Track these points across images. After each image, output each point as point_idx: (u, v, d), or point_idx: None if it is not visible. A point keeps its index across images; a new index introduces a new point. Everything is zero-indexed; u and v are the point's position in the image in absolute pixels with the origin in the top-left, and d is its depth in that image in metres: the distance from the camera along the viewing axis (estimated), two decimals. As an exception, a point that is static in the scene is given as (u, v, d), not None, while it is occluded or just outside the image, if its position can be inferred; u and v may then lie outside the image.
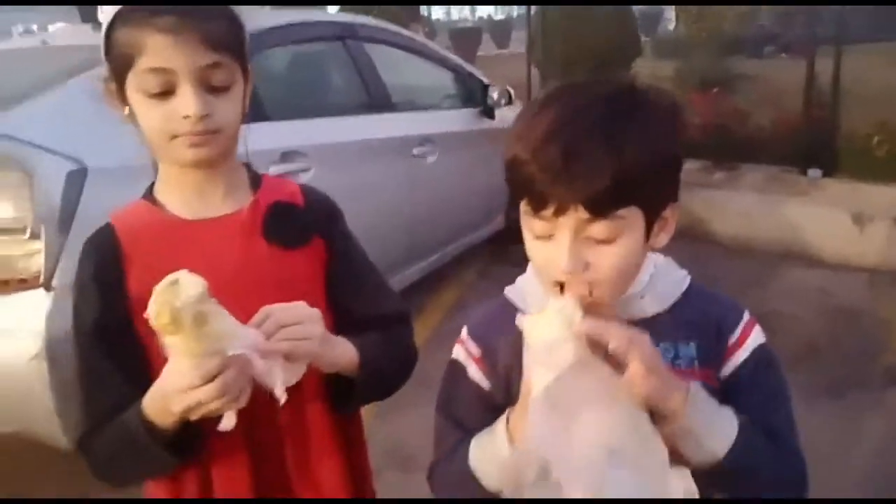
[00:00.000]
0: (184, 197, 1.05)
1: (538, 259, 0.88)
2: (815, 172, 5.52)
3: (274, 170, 2.74)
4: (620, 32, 7.92)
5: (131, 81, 0.97)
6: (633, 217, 0.83)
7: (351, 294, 1.09)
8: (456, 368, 1.03)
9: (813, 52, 5.62)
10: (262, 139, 2.63)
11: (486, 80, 4.69)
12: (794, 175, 5.58)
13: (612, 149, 0.80)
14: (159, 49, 0.93)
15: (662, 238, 0.89)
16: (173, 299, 0.82)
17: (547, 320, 0.81)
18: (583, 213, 0.81)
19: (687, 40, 11.62)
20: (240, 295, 0.95)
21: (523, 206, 0.87)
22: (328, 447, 1.11)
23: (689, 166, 6.12)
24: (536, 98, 0.91)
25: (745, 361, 0.94)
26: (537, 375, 0.81)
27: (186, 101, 0.94)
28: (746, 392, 0.92)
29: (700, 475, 0.85)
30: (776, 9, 18.85)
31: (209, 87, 0.96)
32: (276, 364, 0.91)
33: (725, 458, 0.84)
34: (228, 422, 0.91)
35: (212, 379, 0.86)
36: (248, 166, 1.14)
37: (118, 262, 1.01)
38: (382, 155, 3.58)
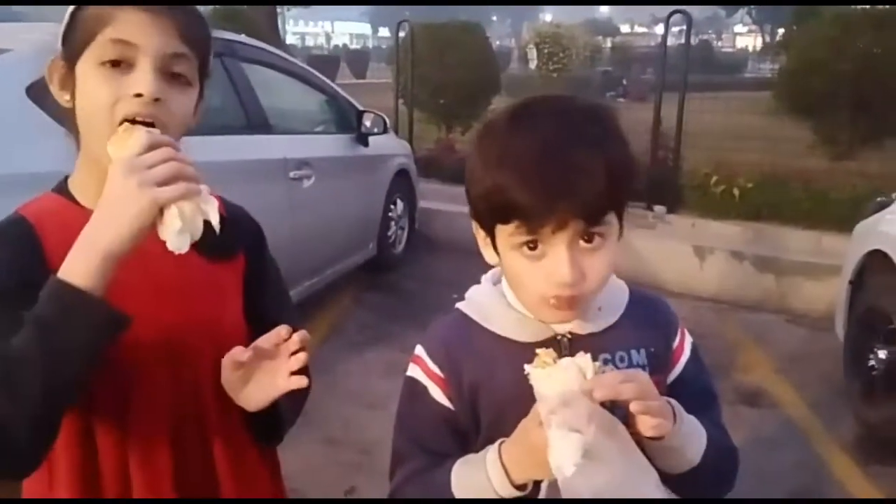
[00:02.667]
0: None
1: (532, 280, 0.88)
2: (660, 209, 5.96)
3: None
4: (483, 68, 8.22)
5: (88, 55, 0.90)
6: (613, 221, 0.88)
7: (263, 310, 1.07)
8: (416, 389, 0.99)
9: (659, 98, 6.10)
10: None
11: (360, 107, 4.70)
12: (642, 211, 5.98)
13: (604, 160, 0.83)
14: (130, 22, 0.89)
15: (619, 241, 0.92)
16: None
17: (560, 373, 0.82)
18: (579, 225, 0.84)
19: (538, 80, 12.32)
20: (169, 298, 0.96)
21: (510, 231, 0.86)
22: (256, 471, 1.08)
23: (548, 199, 6.43)
24: (494, 121, 0.91)
25: (687, 363, 1.01)
26: (556, 432, 0.79)
27: (142, 78, 0.89)
28: (690, 391, 0.98)
29: (671, 478, 0.90)
30: (617, 56, 20.35)
31: (168, 77, 0.92)
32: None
33: (700, 463, 0.90)
34: (180, 242, 0.83)
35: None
36: None
37: (39, 254, 0.91)
38: (260, 176, 3.49)
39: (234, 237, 1.05)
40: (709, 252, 5.23)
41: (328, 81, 4.77)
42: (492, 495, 0.88)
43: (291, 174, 3.74)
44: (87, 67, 0.90)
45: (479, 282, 1.05)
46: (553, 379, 0.82)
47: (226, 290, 1.05)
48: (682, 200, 5.99)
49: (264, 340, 0.92)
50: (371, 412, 3.23)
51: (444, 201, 6.34)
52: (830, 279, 4.13)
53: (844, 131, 6.31)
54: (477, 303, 1.01)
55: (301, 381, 0.90)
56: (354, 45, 41.00)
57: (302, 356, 0.90)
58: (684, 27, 6.26)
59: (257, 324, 1.03)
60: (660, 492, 0.85)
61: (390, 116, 6.10)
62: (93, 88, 0.90)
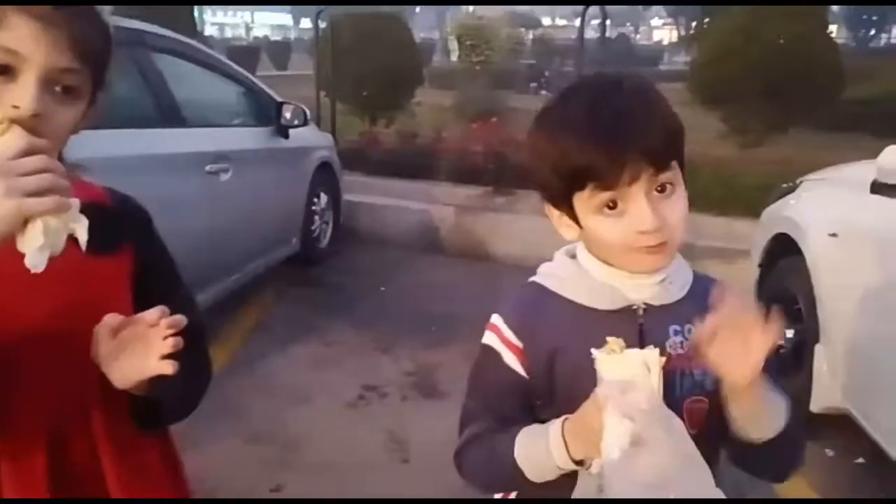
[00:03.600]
0: None
1: (618, 237, 0.92)
2: (581, 198, 6.06)
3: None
4: (406, 60, 8.20)
5: None
6: (677, 171, 0.94)
7: (156, 303, 1.01)
8: (489, 355, 1.03)
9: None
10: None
11: (279, 99, 4.61)
12: (564, 200, 6.06)
13: (653, 111, 0.91)
14: (20, 30, 0.83)
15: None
16: None
17: (624, 362, 0.87)
18: (650, 171, 0.89)
19: (461, 72, 12.36)
20: (40, 294, 0.91)
21: (587, 195, 0.91)
22: (145, 461, 1.05)
23: (472, 192, 6.47)
24: (545, 107, 0.99)
25: None
26: (610, 417, 0.84)
27: (23, 93, 0.84)
28: None
29: (754, 450, 0.94)
30: (539, 48, 20.59)
31: (53, 90, 0.87)
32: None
33: (785, 428, 0.93)
34: (38, 259, 0.78)
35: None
36: None
37: None
38: (173, 171, 3.38)
39: (119, 229, 1.02)
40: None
41: (245, 72, 4.65)
42: (551, 466, 0.93)
43: (208, 168, 3.64)
44: None
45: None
46: (617, 366, 0.87)
47: (110, 284, 1.01)
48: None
49: (142, 317, 0.89)
50: (297, 407, 3.19)
51: (369, 194, 6.31)
52: (742, 263, 4.30)
53: (753, 121, 6.58)
54: (553, 274, 1.04)
55: (165, 367, 0.87)
56: (275, 37, 40.14)
57: (171, 341, 0.87)
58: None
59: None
60: (711, 491, 0.86)
61: (312, 108, 6.01)
62: None
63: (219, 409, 2.75)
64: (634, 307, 0.98)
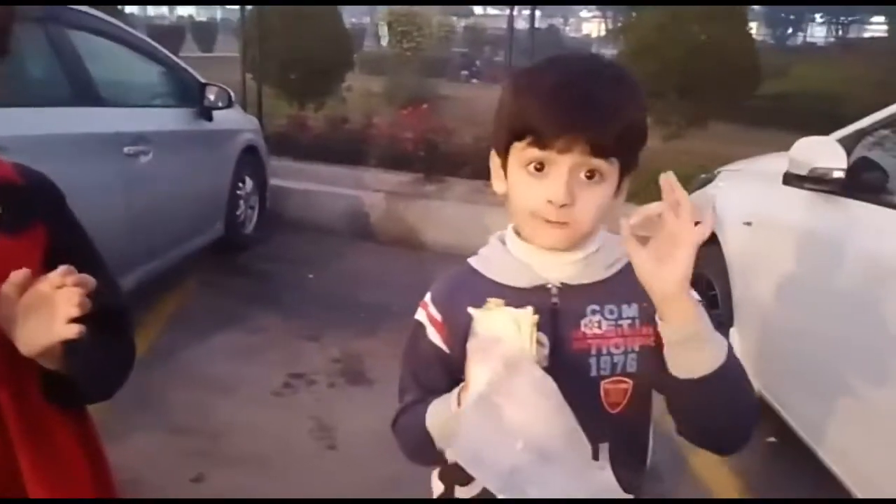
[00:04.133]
0: None
1: (528, 196, 0.95)
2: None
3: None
4: (336, 44, 8.06)
5: None
6: (614, 168, 0.95)
7: None
8: (417, 328, 1.08)
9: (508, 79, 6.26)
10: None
11: (202, 80, 4.49)
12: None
13: (617, 103, 0.93)
14: None
15: (618, 201, 0.99)
16: None
17: (497, 317, 0.89)
18: (583, 152, 0.91)
19: (392, 58, 12.29)
20: None
21: (522, 147, 0.94)
22: (57, 439, 1.00)
23: (403, 178, 6.45)
24: (530, 66, 1.02)
25: None
26: (475, 369, 0.88)
27: None
28: None
29: (692, 390, 0.89)
30: (471, 36, 20.64)
31: None
32: None
33: (725, 363, 0.88)
34: None
35: None
36: None
37: None
38: (89, 152, 3.25)
39: (29, 207, 0.98)
40: (555, 227, 5.43)
41: (167, 52, 4.50)
42: (449, 430, 0.94)
43: (126, 150, 3.50)
44: None
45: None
46: (488, 322, 0.90)
47: (21, 264, 0.95)
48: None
49: (47, 277, 0.86)
50: (218, 398, 3.12)
51: (297, 179, 6.20)
52: (663, 251, 4.41)
53: (674, 114, 6.77)
54: (483, 255, 1.08)
55: (70, 331, 0.84)
56: (201, 17, 38.86)
57: (77, 304, 0.84)
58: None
59: None
60: (584, 458, 0.85)
61: (238, 92, 5.86)
62: None
63: (137, 399, 2.67)
64: (549, 285, 1.00)
